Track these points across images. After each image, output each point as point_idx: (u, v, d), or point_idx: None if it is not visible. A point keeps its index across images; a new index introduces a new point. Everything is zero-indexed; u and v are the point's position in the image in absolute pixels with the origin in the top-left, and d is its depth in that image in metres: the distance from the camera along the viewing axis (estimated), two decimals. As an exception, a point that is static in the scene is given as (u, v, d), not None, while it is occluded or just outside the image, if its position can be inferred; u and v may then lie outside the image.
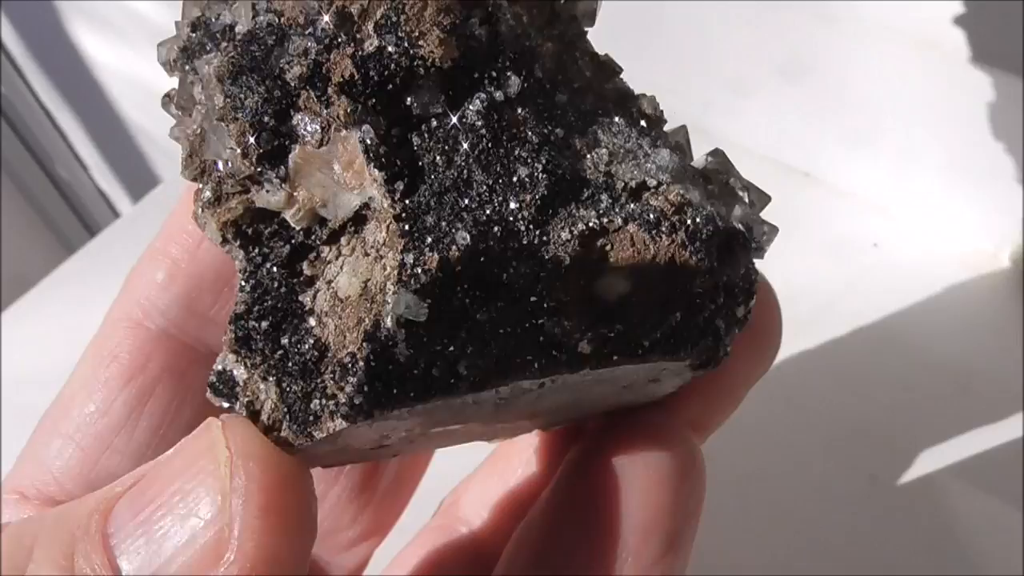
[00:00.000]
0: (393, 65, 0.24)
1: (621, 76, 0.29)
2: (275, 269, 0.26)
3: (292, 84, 0.24)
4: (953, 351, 0.63)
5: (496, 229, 0.24)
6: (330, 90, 0.24)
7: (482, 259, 0.24)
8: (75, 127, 1.35)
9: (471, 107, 0.25)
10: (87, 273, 0.82)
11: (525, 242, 0.24)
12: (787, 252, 0.67)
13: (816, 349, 0.63)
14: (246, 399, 0.25)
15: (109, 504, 0.23)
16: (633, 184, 0.26)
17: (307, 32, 0.25)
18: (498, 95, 0.25)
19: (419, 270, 0.23)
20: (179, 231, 0.31)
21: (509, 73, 0.25)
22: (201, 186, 0.26)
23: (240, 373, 0.25)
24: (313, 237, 0.26)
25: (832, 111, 0.72)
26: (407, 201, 0.24)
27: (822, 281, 0.67)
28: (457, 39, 0.25)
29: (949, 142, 0.68)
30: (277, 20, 0.25)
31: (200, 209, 0.26)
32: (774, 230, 0.29)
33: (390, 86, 0.24)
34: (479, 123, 0.25)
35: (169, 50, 0.28)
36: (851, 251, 0.69)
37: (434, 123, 0.25)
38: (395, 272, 0.23)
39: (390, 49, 0.24)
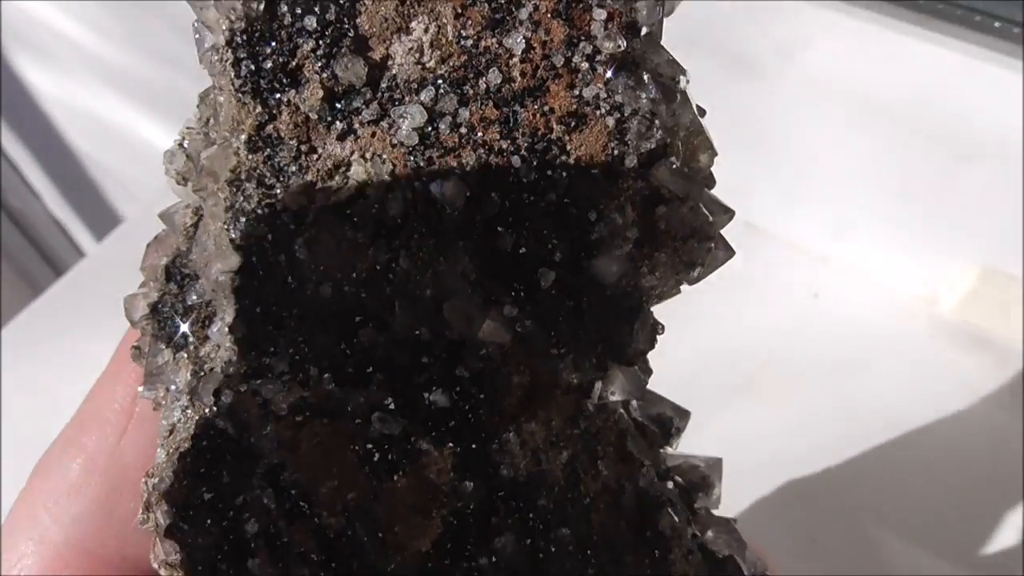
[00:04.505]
0: (362, 553, 0.23)
1: (647, 466, 0.28)
2: None
3: (248, 536, 0.24)
4: (895, 400, 0.64)
5: None
6: (289, 559, 0.23)
7: None
8: (27, 160, 1.35)
9: None
10: (58, 315, 0.82)
11: None
12: (728, 303, 0.67)
13: (757, 402, 0.63)
14: None
15: None
16: None
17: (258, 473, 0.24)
18: (483, 561, 0.24)
19: None
20: (96, 419, 0.28)
21: (501, 538, 0.24)
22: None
23: None
24: None
25: (772, 163, 0.72)
26: None
27: (763, 332, 0.68)
28: (442, 518, 0.24)
29: (886, 192, 0.69)
30: (240, 418, 0.24)
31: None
32: None
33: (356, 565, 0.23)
34: None
35: (137, 306, 0.27)
36: (792, 301, 0.70)
37: None
38: None
39: (360, 536, 0.23)
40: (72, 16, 1.08)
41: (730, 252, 0.27)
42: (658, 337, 0.27)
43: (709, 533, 0.30)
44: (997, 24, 0.61)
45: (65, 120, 1.23)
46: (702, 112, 0.27)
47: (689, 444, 0.61)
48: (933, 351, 0.67)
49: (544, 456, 0.25)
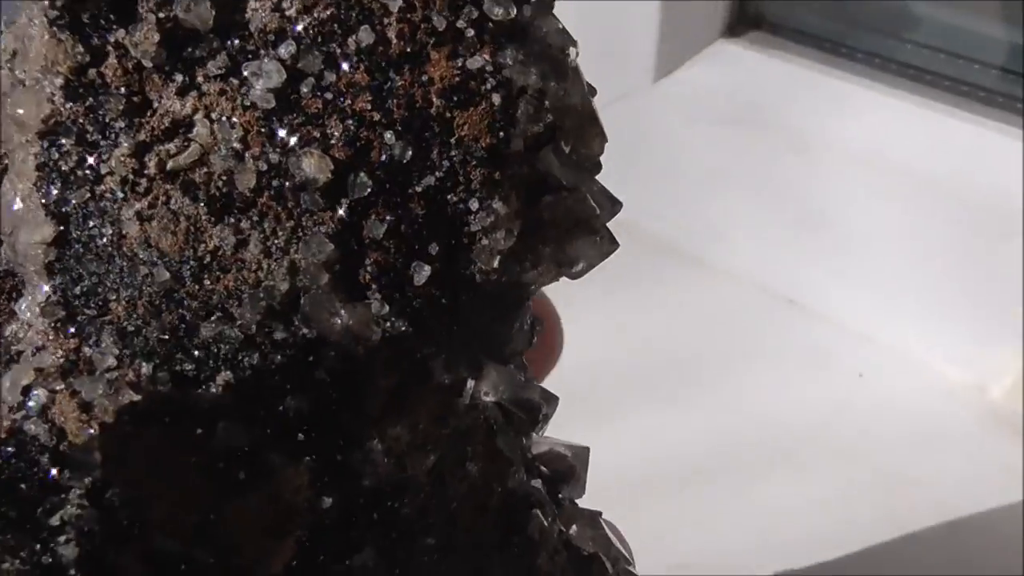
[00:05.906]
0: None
1: (516, 472, 0.26)
2: None
3: (66, 563, 0.20)
4: (939, 485, 0.63)
5: None
6: None
7: None
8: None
9: None
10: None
11: None
12: (772, 380, 0.67)
13: (797, 476, 0.63)
14: None
15: None
16: None
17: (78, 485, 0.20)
18: None
19: None
20: None
21: (360, 555, 0.22)
22: None
23: None
24: None
25: (816, 239, 0.73)
26: None
27: (806, 410, 0.67)
28: (296, 538, 0.21)
29: (930, 271, 0.70)
30: (55, 423, 0.20)
31: None
32: None
33: None
34: None
35: None
36: (836, 380, 0.70)
37: None
38: None
39: (201, 562, 0.21)
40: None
41: (614, 245, 0.25)
42: (535, 338, 0.26)
43: (574, 528, 0.28)
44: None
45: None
46: (592, 91, 0.24)
47: (726, 509, 0.61)
48: (979, 436, 0.66)
49: (409, 461, 0.23)
